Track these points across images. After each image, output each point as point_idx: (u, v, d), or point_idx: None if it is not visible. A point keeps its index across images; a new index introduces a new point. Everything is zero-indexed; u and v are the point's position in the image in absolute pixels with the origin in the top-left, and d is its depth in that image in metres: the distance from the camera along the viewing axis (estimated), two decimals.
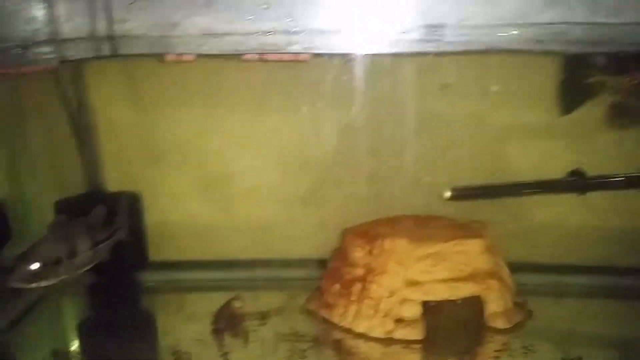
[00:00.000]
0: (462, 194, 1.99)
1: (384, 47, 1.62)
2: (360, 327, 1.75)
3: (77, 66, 2.11)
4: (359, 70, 1.77)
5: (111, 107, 2.18)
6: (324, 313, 1.86)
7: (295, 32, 1.54)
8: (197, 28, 1.56)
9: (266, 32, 1.54)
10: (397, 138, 1.96)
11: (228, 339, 1.77)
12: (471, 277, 1.78)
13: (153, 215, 2.23)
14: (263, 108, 2.11)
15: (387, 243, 1.79)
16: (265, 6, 1.58)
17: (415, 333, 1.71)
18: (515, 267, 1.91)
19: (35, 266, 1.50)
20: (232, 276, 2.20)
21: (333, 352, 1.71)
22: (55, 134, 2.23)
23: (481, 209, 2.05)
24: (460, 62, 1.92)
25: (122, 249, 1.85)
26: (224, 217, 2.25)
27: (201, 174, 2.22)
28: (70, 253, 1.59)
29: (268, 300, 1.99)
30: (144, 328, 1.96)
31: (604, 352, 1.72)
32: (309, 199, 2.19)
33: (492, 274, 1.80)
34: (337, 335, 1.78)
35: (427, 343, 1.71)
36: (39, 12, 1.58)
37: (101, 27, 1.59)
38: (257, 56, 1.66)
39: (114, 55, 1.70)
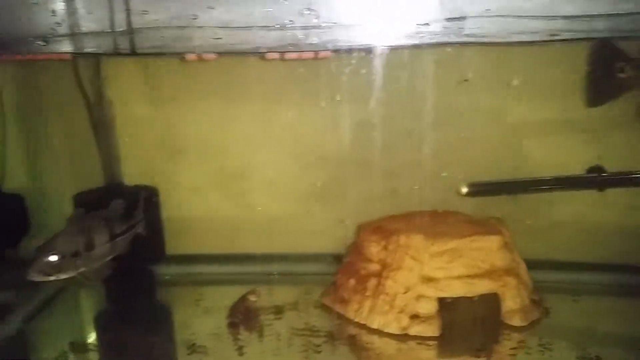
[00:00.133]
0: (479, 189, 1.97)
1: (403, 40, 1.60)
2: (375, 323, 1.75)
3: (96, 60, 2.13)
4: (377, 64, 1.76)
5: (129, 101, 2.20)
6: (338, 308, 1.86)
7: (315, 25, 1.53)
8: (216, 21, 1.55)
9: (285, 26, 1.53)
10: (415, 133, 1.95)
11: (243, 333, 1.78)
12: (488, 274, 1.76)
13: (170, 209, 2.24)
14: (280, 103, 2.11)
15: (403, 239, 1.79)
16: None
17: (430, 330, 1.70)
18: (533, 264, 1.89)
19: (53, 259, 1.51)
20: (248, 270, 2.21)
21: (347, 348, 1.70)
22: (74, 128, 2.25)
23: (498, 205, 2.03)
24: (480, 55, 1.89)
25: (140, 242, 1.86)
26: (240, 211, 2.25)
27: (218, 169, 2.23)
28: (88, 246, 1.61)
29: (283, 294, 1.99)
30: (160, 321, 1.97)
31: (622, 351, 1.69)
32: (325, 194, 2.19)
33: (509, 271, 1.79)
34: (352, 330, 1.78)
35: (443, 340, 1.70)
36: (59, 4, 1.60)
37: (120, 20, 1.60)
38: (278, 55, 1.65)
39: (134, 54, 1.71)
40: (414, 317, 1.72)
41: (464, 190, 1.95)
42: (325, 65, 1.85)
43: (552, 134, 2.04)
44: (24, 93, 2.23)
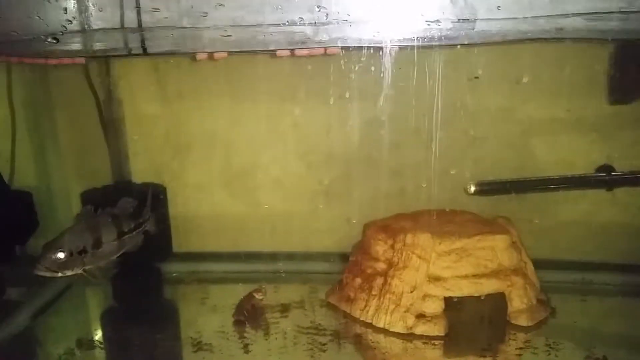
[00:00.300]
0: (487, 188, 1.97)
1: (413, 37, 1.60)
2: (381, 322, 1.75)
3: (106, 59, 2.14)
4: (385, 62, 1.76)
5: (138, 99, 2.21)
6: (344, 307, 1.86)
7: (324, 23, 1.53)
8: (226, 18, 1.55)
9: (295, 23, 1.53)
10: (422, 131, 1.94)
11: (249, 331, 1.78)
12: (495, 274, 1.76)
13: (177, 207, 2.25)
14: (288, 101, 2.12)
15: (410, 237, 1.78)
16: None
17: (436, 329, 1.70)
18: (540, 264, 1.89)
19: (61, 255, 1.52)
20: (254, 268, 2.21)
21: (353, 347, 1.70)
22: (83, 126, 2.26)
23: (506, 204, 2.03)
24: (490, 53, 1.89)
25: (147, 239, 1.86)
26: (247, 209, 2.26)
27: (226, 167, 2.24)
28: (96, 243, 1.62)
29: (289, 292, 2.00)
30: (166, 319, 1.98)
31: (629, 352, 1.68)
32: (332, 192, 2.19)
33: (516, 271, 1.78)
34: (358, 329, 1.77)
35: (449, 339, 1.69)
36: (70, 2, 1.60)
37: (131, 18, 1.60)
38: (288, 52, 1.65)
39: (145, 54, 1.71)
40: (420, 316, 1.72)
41: (472, 189, 1.96)
42: (333, 63, 1.85)
43: (561, 133, 2.04)
44: (33, 91, 2.24)
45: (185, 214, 2.26)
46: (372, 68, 1.78)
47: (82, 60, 1.78)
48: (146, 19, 1.58)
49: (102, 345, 1.77)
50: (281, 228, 2.22)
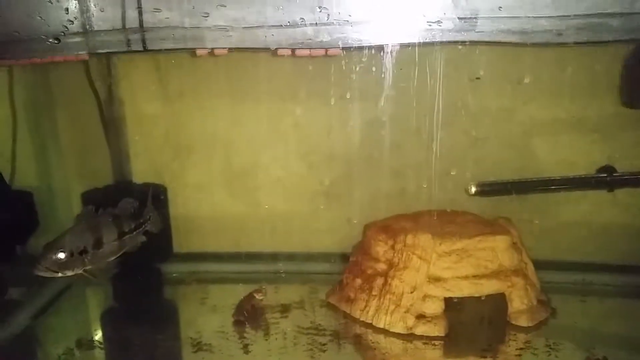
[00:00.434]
0: (488, 189, 1.97)
1: (414, 37, 1.60)
2: (381, 323, 1.75)
3: (107, 58, 2.14)
4: (386, 63, 1.76)
5: (139, 99, 2.21)
6: (344, 307, 1.86)
7: (326, 23, 1.53)
8: (227, 18, 1.55)
9: (296, 23, 1.53)
10: (423, 132, 1.94)
11: (249, 331, 1.78)
12: (495, 274, 1.76)
13: (178, 207, 2.25)
14: (289, 101, 2.12)
15: (410, 238, 1.78)
16: None
17: (436, 329, 1.70)
18: (541, 265, 1.89)
19: (61, 255, 1.52)
20: (255, 268, 2.21)
21: (353, 347, 1.70)
22: (84, 126, 2.26)
23: (507, 204, 2.03)
24: (491, 53, 1.89)
25: (147, 240, 1.86)
26: (247, 209, 2.26)
27: (226, 167, 2.24)
28: (96, 243, 1.61)
29: (289, 293, 2.00)
30: (166, 319, 1.98)
31: (629, 353, 1.68)
32: (332, 193, 2.19)
33: (516, 272, 1.78)
34: (358, 330, 1.78)
35: (449, 340, 1.69)
36: (72, 3, 1.60)
37: (132, 18, 1.60)
38: (289, 51, 1.65)
39: (146, 50, 1.71)
40: (420, 316, 1.72)
41: (473, 189, 1.95)
42: (334, 63, 1.86)
43: (562, 134, 2.04)
44: (34, 91, 2.24)
45: (185, 214, 2.27)
46: (373, 68, 1.78)
47: (85, 56, 1.78)
48: (148, 19, 1.58)
49: (101, 346, 1.77)
50: (281, 228, 2.23)
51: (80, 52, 1.69)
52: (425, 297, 1.73)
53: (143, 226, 1.82)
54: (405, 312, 1.73)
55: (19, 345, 1.83)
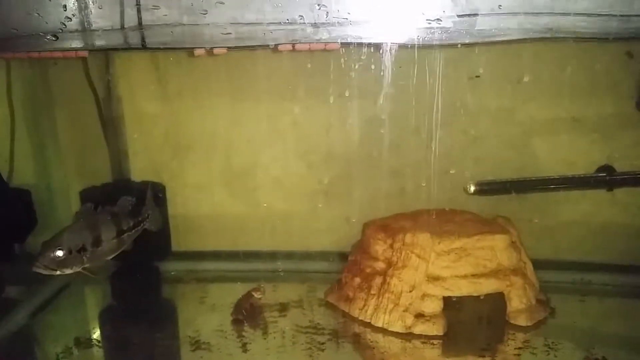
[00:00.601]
0: (487, 188, 1.97)
1: (413, 36, 1.60)
2: (380, 322, 1.75)
3: (105, 56, 2.13)
4: (385, 61, 1.76)
5: (138, 97, 2.21)
6: (343, 306, 1.86)
7: (325, 21, 1.53)
8: (226, 16, 1.55)
9: (295, 21, 1.53)
10: (422, 130, 1.94)
11: (247, 330, 1.78)
12: (494, 273, 1.76)
13: (177, 206, 2.25)
14: (288, 100, 2.11)
15: (409, 237, 1.78)
16: None
17: (435, 329, 1.70)
18: (540, 264, 1.89)
19: (60, 253, 1.51)
20: (253, 267, 2.21)
21: (352, 346, 1.70)
22: (82, 124, 2.26)
23: (506, 204, 2.03)
24: (491, 52, 1.89)
25: (146, 238, 1.86)
26: (246, 208, 2.26)
27: (225, 166, 2.24)
28: (95, 241, 1.61)
29: (288, 292, 2.00)
30: (164, 317, 1.97)
31: (628, 352, 1.68)
32: (331, 192, 2.19)
33: (515, 271, 1.78)
34: (356, 329, 1.77)
35: (447, 339, 1.69)
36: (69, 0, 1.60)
37: (131, 15, 1.60)
38: (290, 47, 1.65)
39: (144, 48, 1.71)
40: (419, 315, 1.72)
41: (472, 188, 1.95)
42: (333, 62, 1.85)
43: (561, 133, 2.03)
44: (32, 89, 2.24)
45: (184, 212, 2.26)
46: (372, 67, 1.78)
47: (85, 53, 1.77)
48: (146, 16, 1.58)
49: (100, 344, 1.76)
50: (280, 227, 2.23)
51: (78, 48, 1.69)
52: (424, 296, 1.73)
53: (142, 224, 1.82)
54: (403, 311, 1.73)
55: (17, 344, 1.82)
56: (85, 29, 1.62)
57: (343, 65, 1.85)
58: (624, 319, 1.85)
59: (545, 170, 2.02)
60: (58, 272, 1.53)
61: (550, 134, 2.04)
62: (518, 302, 1.75)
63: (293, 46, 1.62)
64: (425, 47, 1.65)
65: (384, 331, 1.74)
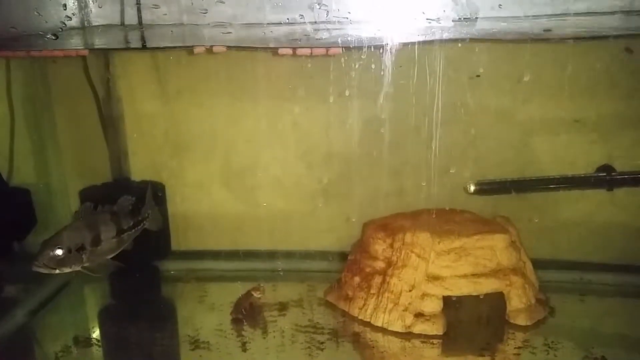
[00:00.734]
0: (487, 188, 1.97)
1: (414, 35, 1.60)
2: (379, 321, 1.75)
3: (105, 55, 2.13)
4: (386, 60, 1.75)
5: (137, 97, 2.21)
6: (343, 305, 1.86)
7: (325, 21, 1.53)
8: (226, 15, 1.55)
9: (296, 21, 1.53)
10: (422, 130, 1.94)
11: (247, 329, 1.78)
12: (494, 273, 1.76)
13: (176, 205, 2.24)
14: (287, 99, 2.11)
15: (409, 236, 1.78)
16: None
17: (434, 328, 1.70)
18: (539, 264, 1.89)
19: (59, 252, 1.52)
20: (253, 267, 2.21)
21: (351, 345, 1.70)
22: (82, 123, 2.26)
23: (506, 203, 2.03)
24: (491, 52, 1.89)
25: (145, 237, 1.86)
26: (246, 208, 2.25)
27: (225, 165, 2.23)
28: (94, 241, 1.61)
29: (287, 291, 2.00)
30: (164, 317, 1.97)
31: (627, 352, 1.69)
32: (332, 191, 2.19)
33: (515, 270, 1.78)
34: (356, 328, 1.77)
35: (447, 338, 1.69)
36: None
37: (131, 14, 1.60)
38: (291, 51, 1.65)
39: (144, 48, 1.71)
40: (419, 315, 1.72)
41: (472, 188, 1.95)
42: (333, 62, 1.85)
43: (561, 133, 2.03)
44: (32, 88, 2.24)
45: (184, 212, 2.26)
46: (372, 66, 1.78)
47: (85, 52, 1.77)
48: (146, 15, 1.58)
49: (99, 343, 1.76)
50: (280, 226, 2.22)
51: (77, 47, 1.69)
52: (423, 295, 1.73)
53: (142, 224, 1.82)
54: (403, 311, 1.73)
55: (16, 343, 1.82)
56: (85, 28, 1.62)
57: (343, 65, 1.85)
58: (624, 319, 1.85)
59: (545, 170, 2.02)
60: (57, 271, 1.53)
61: (550, 133, 2.03)
62: (518, 301, 1.75)
63: (294, 51, 1.62)
64: (426, 47, 1.65)
65: (383, 330, 1.74)
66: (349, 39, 1.58)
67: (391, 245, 1.81)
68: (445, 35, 1.54)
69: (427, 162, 1.89)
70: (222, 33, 1.58)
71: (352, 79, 1.89)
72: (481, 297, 1.74)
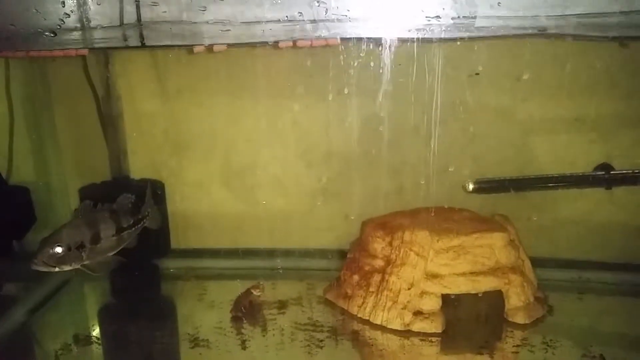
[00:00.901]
0: (486, 186, 1.98)
1: (413, 33, 1.60)
2: (378, 319, 1.75)
3: (105, 54, 2.13)
4: (385, 58, 1.76)
5: (137, 95, 2.21)
6: (342, 304, 1.86)
7: (324, 18, 1.53)
8: (225, 13, 1.55)
9: (295, 18, 1.53)
10: (421, 128, 1.94)
11: (246, 327, 1.78)
12: (492, 271, 1.76)
13: (176, 203, 2.25)
14: (287, 98, 2.11)
15: (408, 235, 1.78)
16: None
17: (433, 326, 1.70)
18: (538, 262, 1.89)
19: (58, 250, 1.51)
20: (252, 265, 2.21)
21: (350, 343, 1.70)
22: (81, 122, 2.26)
23: (504, 202, 2.03)
24: (490, 50, 1.89)
25: (145, 236, 1.86)
26: (245, 206, 2.26)
27: (224, 164, 2.24)
28: (94, 238, 1.61)
29: (287, 289, 2.00)
30: (164, 315, 1.98)
31: (626, 350, 1.68)
32: (331, 190, 2.19)
33: (513, 269, 1.78)
34: (355, 326, 1.77)
35: (446, 336, 1.70)
36: None
37: (130, 12, 1.60)
38: (291, 43, 1.65)
39: (143, 46, 1.71)
40: (417, 313, 1.72)
41: (470, 187, 1.96)
42: (332, 60, 1.85)
43: (560, 132, 2.03)
44: (31, 86, 2.24)
45: (183, 210, 2.26)
46: (371, 64, 1.78)
47: (85, 51, 1.77)
48: (145, 13, 1.58)
49: (99, 341, 1.76)
50: (279, 225, 2.22)
51: (76, 46, 1.69)
52: (422, 293, 1.73)
53: (142, 222, 1.82)
54: (402, 309, 1.73)
55: (16, 341, 1.82)
56: (84, 26, 1.62)
57: (342, 63, 1.85)
58: (622, 317, 1.85)
59: (544, 169, 2.02)
60: (57, 269, 1.53)
61: (550, 132, 2.04)
62: (516, 299, 1.75)
63: (294, 42, 1.62)
64: (425, 45, 1.66)
65: (382, 328, 1.74)
66: (348, 36, 1.58)
67: (390, 244, 1.81)
68: (444, 33, 1.54)
69: (426, 161, 1.90)
70: (221, 31, 1.58)
71: (350, 77, 1.89)
72: (480, 295, 1.74)
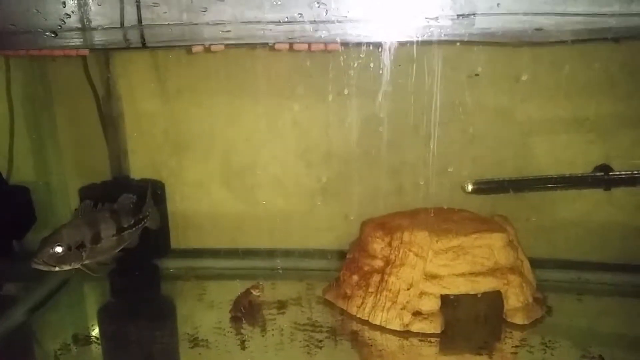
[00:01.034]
0: (485, 187, 1.98)
1: (412, 34, 1.60)
2: (378, 319, 1.75)
3: (105, 54, 2.14)
4: (384, 59, 1.76)
5: (138, 95, 2.21)
6: (341, 304, 1.86)
7: (324, 19, 1.54)
8: (225, 14, 1.55)
9: (295, 19, 1.53)
10: (421, 129, 1.95)
11: (246, 327, 1.78)
12: (491, 272, 1.76)
13: (176, 204, 2.25)
14: (286, 98, 2.12)
15: (407, 235, 1.79)
16: None
17: (432, 327, 1.71)
18: (537, 263, 1.89)
19: (59, 249, 1.52)
20: (252, 265, 2.22)
21: (349, 344, 1.70)
22: (82, 122, 2.26)
23: (504, 203, 2.03)
24: (489, 51, 1.89)
25: (145, 235, 1.86)
26: (245, 206, 2.26)
27: (224, 164, 2.24)
28: (94, 238, 1.61)
29: (286, 289, 2.00)
30: (163, 315, 1.98)
31: (625, 351, 1.69)
32: (330, 190, 2.19)
33: (512, 269, 1.78)
34: (354, 326, 1.78)
35: (445, 337, 1.70)
36: None
37: (130, 12, 1.60)
38: (287, 45, 1.65)
39: (144, 47, 1.71)
40: (417, 313, 1.72)
41: (469, 187, 1.96)
42: (332, 60, 1.86)
43: (559, 133, 2.04)
44: (32, 86, 2.24)
45: (183, 210, 2.27)
46: (371, 65, 1.78)
47: (85, 51, 1.77)
48: (146, 14, 1.58)
49: (98, 341, 1.77)
50: (279, 225, 2.23)
51: (76, 45, 1.69)
52: (421, 294, 1.73)
53: (142, 222, 1.83)
54: (401, 309, 1.73)
55: (16, 340, 1.83)
56: (84, 26, 1.62)
57: (342, 64, 1.86)
58: (621, 318, 1.85)
59: (543, 170, 2.02)
60: (57, 269, 1.54)
61: (549, 133, 2.04)
62: (515, 300, 1.76)
63: (291, 46, 1.62)
64: (424, 46, 1.66)
65: (381, 329, 1.74)
66: (347, 37, 1.58)
67: (389, 244, 1.82)
68: (444, 35, 1.54)
69: (426, 161, 1.90)
70: (222, 31, 1.58)
71: (350, 77, 1.89)
72: (479, 295, 1.75)
